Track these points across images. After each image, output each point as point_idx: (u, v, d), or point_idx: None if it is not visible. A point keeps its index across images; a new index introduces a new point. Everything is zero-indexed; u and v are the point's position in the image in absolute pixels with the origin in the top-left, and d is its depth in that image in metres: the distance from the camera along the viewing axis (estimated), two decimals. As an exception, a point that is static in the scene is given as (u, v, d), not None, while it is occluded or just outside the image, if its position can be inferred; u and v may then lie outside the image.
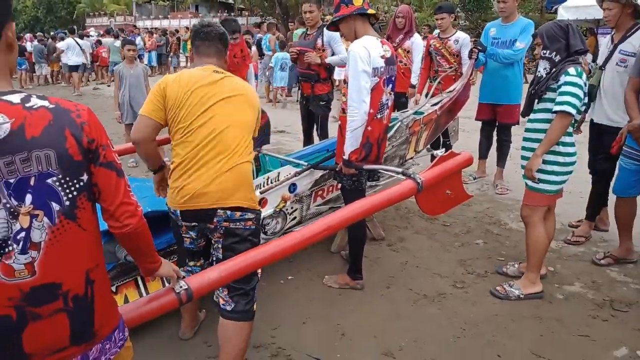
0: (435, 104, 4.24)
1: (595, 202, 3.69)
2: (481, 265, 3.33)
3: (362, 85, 2.58)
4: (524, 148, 2.89)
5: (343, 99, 2.73)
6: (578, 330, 2.61)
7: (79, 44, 13.06)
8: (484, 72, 4.77)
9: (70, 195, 1.13)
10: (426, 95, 4.73)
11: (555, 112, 2.61)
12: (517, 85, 4.62)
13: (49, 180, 1.09)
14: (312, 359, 2.43)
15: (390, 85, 2.79)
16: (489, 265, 3.33)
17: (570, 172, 2.80)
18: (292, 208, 3.07)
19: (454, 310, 2.81)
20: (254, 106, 2.15)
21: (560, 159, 2.74)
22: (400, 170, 2.61)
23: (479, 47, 4.48)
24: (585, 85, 2.66)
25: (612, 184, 3.41)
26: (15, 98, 1.08)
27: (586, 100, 2.72)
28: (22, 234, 1.08)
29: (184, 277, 1.60)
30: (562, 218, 3.96)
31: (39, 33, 17.87)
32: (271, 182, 2.98)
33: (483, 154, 5.09)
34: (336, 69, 6.56)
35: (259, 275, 2.21)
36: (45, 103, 1.11)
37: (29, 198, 1.08)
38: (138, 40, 14.75)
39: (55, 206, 1.11)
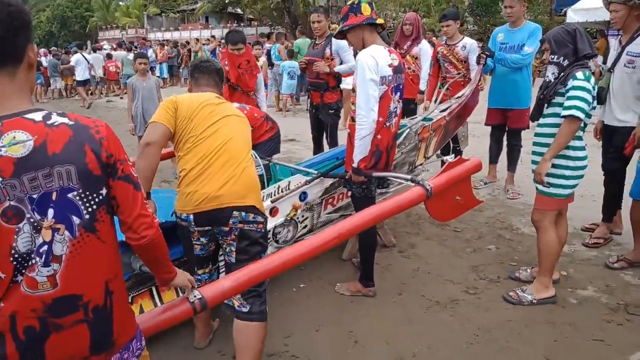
0: (444, 110, 4.26)
1: (609, 203, 3.66)
2: (493, 270, 3.33)
3: (371, 94, 2.61)
4: (534, 153, 2.90)
5: (352, 108, 2.77)
6: (592, 335, 2.60)
7: (86, 59, 13.44)
8: (493, 77, 4.78)
9: (90, 209, 1.17)
10: (435, 101, 4.75)
11: (564, 116, 2.62)
12: (526, 90, 4.62)
13: (70, 195, 1.14)
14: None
15: (399, 94, 2.82)
16: (501, 270, 3.32)
17: (581, 177, 2.79)
18: (303, 216, 3.10)
19: (466, 316, 2.81)
20: (248, 127, 2.39)
21: (571, 163, 2.74)
22: (409, 177, 2.64)
23: (486, 53, 4.50)
24: (594, 89, 2.66)
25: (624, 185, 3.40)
26: (37, 116, 1.13)
27: (595, 103, 2.72)
28: (45, 247, 1.13)
29: (198, 286, 1.64)
30: (575, 222, 3.94)
31: (53, 48, 18.22)
32: (282, 191, 3.02)
33: (493, 159, 5.08)
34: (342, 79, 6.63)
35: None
36: (66, 120, 1.16)
37: (51, 212, 1.12)
38: (150, 52, 15.00)
39: (76, 220, 1.15)
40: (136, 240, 1.29)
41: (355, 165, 2.72)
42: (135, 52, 11.09)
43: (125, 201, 1.24)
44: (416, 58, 5.21)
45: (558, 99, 2.71)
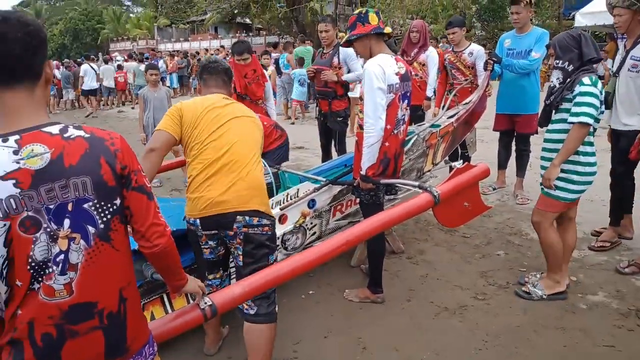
0: (452, 116, 4.27)
1: (616, 207, 3.64)
2: (502, 276, 3.32)
3: (378, 102, 2.64)
4: (542, 158, 2.91)
5: (360, 115, 2.80)
6: (603, 341, 2.58)
7: (94, 69, 13.69)
8: (501, 82, 4.79)
9: (104, 219, 1.21)
10: (442, 108, 4.76)
11: (572, 123, 2.63)
12: (534, 95, 4.62)
13: (85, 205, 1.18)
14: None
15: (406, 101, 2.85)
16: (510, 276, 3.31)
17: (589, 182, 2.79)
18: (311, 223, 3.13)
19: (475, 322, 2.81)
20: (259, 127, 2.37)
21: (580, 168, 2.75)
22: (417, 183, 2.66)
23: (494, 59, 4.51)
24: (601, 94, 2.67)
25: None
26: (55, 129, 1.18)
27: (603, 108, 2.73)
28: (61, 256, 1.17)
29: (208, 292, 1.68)
30: (584, 227, 3.92)
31: (65, 60, 18.55)
32: (291, 199, 3.05)
33: (502, 164, 5.08)
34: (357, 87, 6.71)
35: None
36: (82, 133, 1.21)
37: (67, 222, 1.16)
38: (160, 63, 15.20)
39: (91, 229, 1.19)
40: (149, 248, 1.33)
41: (363, 172, 2.74)
42: (147, 63, 11.27)
43: (138, 211, 1.28)
44: (423, 65, 5.23)
45: (565, 105, 2.72)
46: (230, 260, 2.43)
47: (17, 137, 1.12)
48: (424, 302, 3.06)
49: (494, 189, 5.05)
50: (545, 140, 2.90)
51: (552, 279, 2.96)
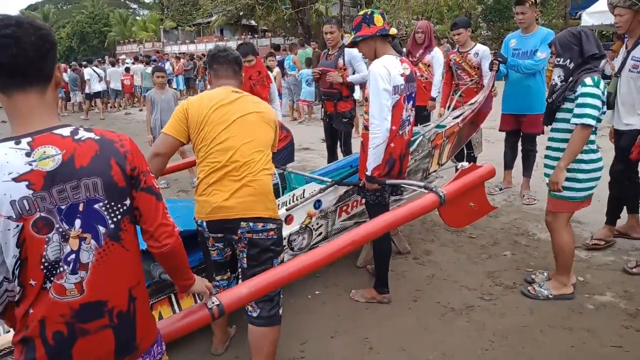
0: (457, 117, 4.28)
1: (614, 206, 3.61)
2: (509, 276, 3.32)
3: (384, 104, 2.65)
4: (547, 157, 2.91)
5: (365, 117, 2.81)
6: (610, 341, 2.57)
7: (97, 73, 13.87)
8: (507, 83, 4.78)
9: (115, 219, 1.23)
10: (447, 108, 4.76)
11: (575, 124, 2.63)
12: (540, 95, 4.60)
13: (96, 206, 1.20)
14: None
15: (411, 102, 2.85)
16: (517, 276, 3.31)
17: (596, 179, 2.79)
18: (317, 224, 3.15)
19: (482, 323, 2.81)
20: (270, 122, 2.26)
21: (584, 165, 2.75)
22: (422, 184, 2.66)
23: (499, 59, 4.51)
24: (603, 94, 2.66)
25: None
26: (66, 131, 1.20)
27: (605, 108, 2.73)
28: (72, 255, 1.19)
29: (215, 293, 1.69)
30: (591, 227, 3.92)
31: (73, 63, 18.71)
32: (297, 199, 3.07)
33: (508, 165, 5.07)
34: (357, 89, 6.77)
35: None
36: (92, 135, 1.23)
37: (78, 222, 1.18)
38: (167, 65, 15.29)
39: (102, 229, 1.22)
40: (158, 248, 1.35)
41: (369, 173, 2.75)
42: (153, 65, 11.36)
43: (147, 211, 1.30)
44: (428, 66, 5.23)
45: (567, 105, 2.72)
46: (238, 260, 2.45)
47: (29, 139, 1.15)
48: (431, 302, 3.06)
49: (501, 189, 5.04)
50: (550, 140, 2.91)
51: (559, 281, 2.95)
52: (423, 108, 5.11)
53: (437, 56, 5.23)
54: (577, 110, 2.62)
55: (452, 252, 3.76)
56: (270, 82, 4.74)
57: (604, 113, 2.72)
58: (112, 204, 1.23)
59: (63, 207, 1.16)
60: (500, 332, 2.71)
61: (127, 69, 15.57)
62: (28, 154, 1.13)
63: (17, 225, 1.12)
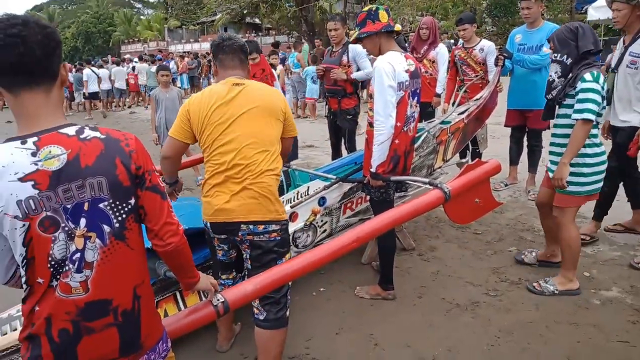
0: (462, 113, 4.26)
1: (602, 201, 3.53)
2: (514, 272, 3.31)
3: (388, 100, 2.64)
4: (551, 153, 2.91)
5: (370, 113, 2.81)
6: (617, 336, 2.56)
7: (95, 73, 13.97)
8: (512, 78, 4.75)
9: (119, 218, 1.24)
10: (452, 104, 4.75)
11: (575, 119, 2.62)
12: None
13: (101, 205, 1.21)
14: (347, 368, 2.48)
15: (416, 98, 2.85)
16: (522, 272, 3.30)
17: (602, 172, 2.79)
18: (322, 221, 3.15)
19: (487, 319, 2.81)
20: (275, 112, 2.16)
21: (589, 160, 2.74)
22: (427, 180, 2.66)
23: (504, 54, 4.48)
24: (603, 89, 2.66)
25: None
26: (71, 130, 1.20)
27: (605, 103, 2.72)
28: (78, 254, 1.20)
29: (221, 291, 1.70)
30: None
31: (77, 62, 18.80)
32: (301, 197, 3.07)
33: (514, 160, 5.05)
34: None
35: (289, 282, 2.28)
36: (97, 134, 1.24)
37: (83, 221, 1.19)
38: (171, 64, 15.34)
39: (106, 228, 1.22)
40: (162, 247, 1.35)
41: (373, 170, 2.75)
42: (158, 64, 11.42)
43: (152, 210, 1.31)
44: (433, 62, 5.21)
45: (568, 101, 2.73)
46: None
47: (35, 139, 1.16)
48: (436, 298, 3.06)
49: (506, 185, 5.03)
50: (553, 135, 2.91)
51: (565, 277, 2.95)
52: (428, 104, 5.10)
53: (441, 52, 5.21)
54: (577, 106, 2.62)
55: (457, 248, 3.75)
56: (274, 80, 4.74)
57: (604, 108, 2.71)
58: (117, 203, 1.23)
59: (69, 206, 1.17)
60: (506, 328, 2.70)
61: (134, 68, 15.63)
62: (34, 154, 1.14)
63: (24, 225, 1.13)
